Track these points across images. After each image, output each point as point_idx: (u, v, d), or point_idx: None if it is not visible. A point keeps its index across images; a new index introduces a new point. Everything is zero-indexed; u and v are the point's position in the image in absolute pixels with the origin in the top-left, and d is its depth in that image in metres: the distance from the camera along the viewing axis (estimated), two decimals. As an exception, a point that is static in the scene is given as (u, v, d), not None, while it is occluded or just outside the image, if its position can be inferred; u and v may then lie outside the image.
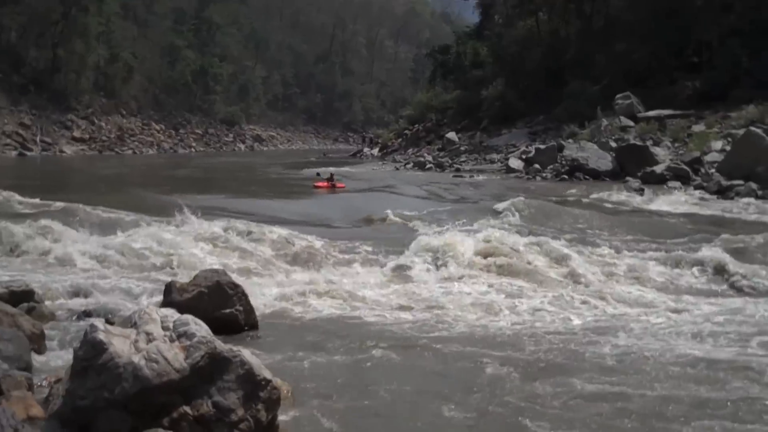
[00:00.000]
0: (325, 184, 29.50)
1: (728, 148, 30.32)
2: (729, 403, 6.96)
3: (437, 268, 12.79)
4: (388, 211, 20.11)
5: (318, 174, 31.92)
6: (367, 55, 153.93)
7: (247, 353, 6.05)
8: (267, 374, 5.99)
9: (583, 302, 11.11)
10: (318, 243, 14.61)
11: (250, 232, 14.65)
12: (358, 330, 9.50)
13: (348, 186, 31.26)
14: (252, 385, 5.86)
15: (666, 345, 8.79)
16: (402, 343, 8.94)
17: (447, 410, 6.86)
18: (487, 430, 6.59)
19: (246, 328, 9.37)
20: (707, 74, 40.06)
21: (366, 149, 69.02)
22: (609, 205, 23.33)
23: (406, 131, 63.11)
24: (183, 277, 10.45)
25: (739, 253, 13.78)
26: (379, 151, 63.27)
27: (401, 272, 12.67)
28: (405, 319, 10.14)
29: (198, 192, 26.99)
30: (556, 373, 7.86)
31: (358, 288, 11.65)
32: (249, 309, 9.55)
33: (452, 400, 7.10)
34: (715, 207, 23.19)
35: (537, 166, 35.14)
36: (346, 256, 13.97)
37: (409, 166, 45.30)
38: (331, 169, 30.76)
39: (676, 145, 33.59)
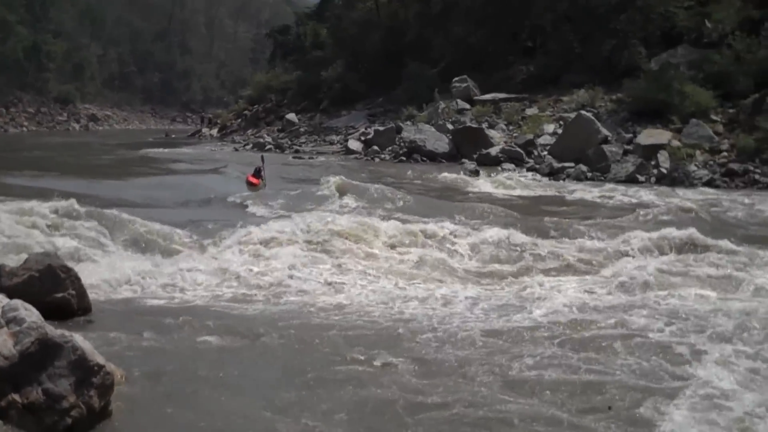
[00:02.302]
0: (256, 180, 24.23)
1: (560, 131, 31.30)
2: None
3: (269, 254, 12.63)
4: (227, 194, 19.88)
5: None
6: (206, 34, 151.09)
7: (79, 338, 5.92)
8: (100, 359, 5.88)
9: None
10: (155, 226, 14.10)
11: (83, 214, 13.96)
12: (191, 315, 9.32)
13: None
14: (84, 371, 5.74)
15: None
16: (232, 328, 8.86)
17: (270, 393, 7.00)
18: (309, 408, 6.64)
19: (79, 312, 9.10)
20: (541, 59, 41.09)
21: (205, 130, 67.83)
22: (438, 185, 23.87)
23: (246, 112, 62.44)
24: (12, 262, 9.94)
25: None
26: (219, 131, 62.40)
27: (235, 257, 12.53)
28: (235, 305, 10.11)
29: (29, 172, 25.86)
30: (371, 347, 8.19)
31: (192, 273, 11.48)
32: (82, 293, 9.25)
33: (277, 383, 7.32)
34: (547, 188, 23.99)
35: (376, 147, 35.36)
36: (185, 240, 13.66)
37: (248, 147, 44.82)
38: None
39: (511, 127, 34.34)
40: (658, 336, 8.67)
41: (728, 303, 10.05)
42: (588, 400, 6.86)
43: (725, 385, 7.08)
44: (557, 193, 23.02)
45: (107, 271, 11.18)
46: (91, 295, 9.53)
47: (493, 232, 14.09)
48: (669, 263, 12.47)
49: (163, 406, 6.49)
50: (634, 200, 21.11)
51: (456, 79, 40.42)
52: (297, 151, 39.81)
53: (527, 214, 17.67)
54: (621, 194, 22.20)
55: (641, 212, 17.62)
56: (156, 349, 7.95)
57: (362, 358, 7.87)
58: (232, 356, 7.96)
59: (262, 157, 25.61)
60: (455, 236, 14.01)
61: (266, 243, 13.13)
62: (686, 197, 21.52)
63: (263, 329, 8.83)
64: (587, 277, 12.11)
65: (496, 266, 12.79)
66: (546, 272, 12.36)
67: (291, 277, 11.50)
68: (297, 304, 10.21)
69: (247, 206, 18.36)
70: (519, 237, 13.91)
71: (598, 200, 21.25)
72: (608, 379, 7.35)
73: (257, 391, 7.03)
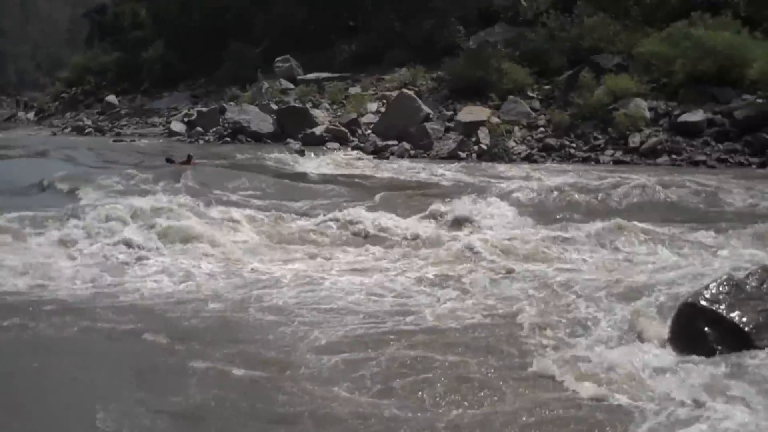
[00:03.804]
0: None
1: (383, 109, 31.59)
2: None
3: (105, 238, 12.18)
4: (53, 178, 19.11)
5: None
6: (20, 14, 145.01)
7: None
8: None
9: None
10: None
11: None
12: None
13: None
14: None
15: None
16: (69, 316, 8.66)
17: (103, 377, 7.06)
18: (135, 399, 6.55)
19: None
20: (363, 38, 41.29)
21: (21, 114, 65.07)
22: (269, 165, 23.82)
23: (64, 94, 60.22)
24: None
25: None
26: (36, 115, 60.08)
27: (69, 243, 12.07)
28: (65, 293, 9.76)
29: None
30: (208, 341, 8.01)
31: (27, 259, 11.07)
32: None
33: (107, 365, 7.40)
34: (371, 166, 24.21)
35: (200, 129, 34.82)
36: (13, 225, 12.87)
37: (67, 130, 43.51)
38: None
39: (335, 107, 34.38)
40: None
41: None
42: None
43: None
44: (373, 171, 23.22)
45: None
46: None
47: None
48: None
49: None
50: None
51: (279, 58, 40.22)
52: (118, 134, 38.83)
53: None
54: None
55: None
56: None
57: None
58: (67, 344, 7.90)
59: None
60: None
61: (109, 227, 12.57)
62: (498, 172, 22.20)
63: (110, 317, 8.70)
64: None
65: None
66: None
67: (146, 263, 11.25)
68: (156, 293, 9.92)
69: (77, 194, 17.50)
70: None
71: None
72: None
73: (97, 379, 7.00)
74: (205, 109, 37.37)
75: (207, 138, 33.66)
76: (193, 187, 17.86)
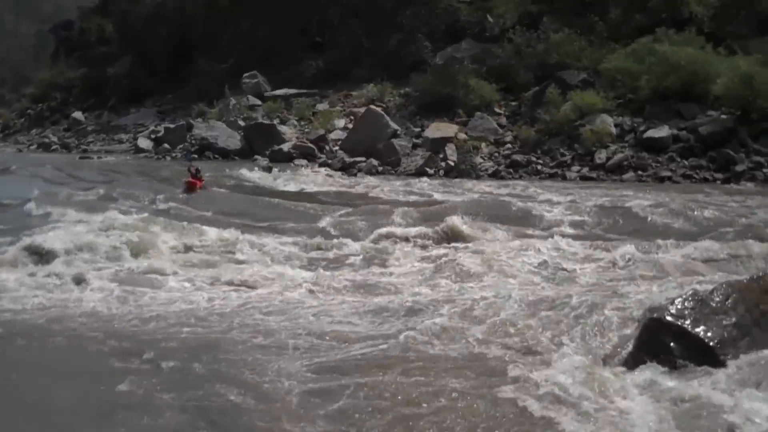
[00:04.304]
0: (197, 181, 20.89)
1: (350, 126, 31.57)
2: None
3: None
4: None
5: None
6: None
7: None
8: None
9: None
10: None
11: None
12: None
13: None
14: None
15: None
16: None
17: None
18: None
19: None
20: (330, 54, 41.34)
21: (-14, 130, 64.61)
22: (233, 182, 23.68)
23: (29, 111, 59.89)
24: None
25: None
26: (1, 132, 59.63)
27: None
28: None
29: None
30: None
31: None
32: None
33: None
34: (339, 183, 24.18)
35: (167, 145, 34.73)
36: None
37: (33, 147, 43.22)
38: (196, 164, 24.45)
39: (302, 123, 34.37)
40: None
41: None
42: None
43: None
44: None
45: None
46: None
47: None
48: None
49: None
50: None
51: (246, 74, 40.21)
52: (85, 151, 38.65)
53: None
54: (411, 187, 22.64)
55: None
56: None
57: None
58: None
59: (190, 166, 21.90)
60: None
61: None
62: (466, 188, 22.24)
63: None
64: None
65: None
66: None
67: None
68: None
69: (29, 211, 17.25)
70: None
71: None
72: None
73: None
74: (172, 126, 37.27)
75: (174, 154, 33.54)
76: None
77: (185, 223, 14.62)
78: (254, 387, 6.92)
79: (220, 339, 8.27)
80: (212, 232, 13.93)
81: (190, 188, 19.91)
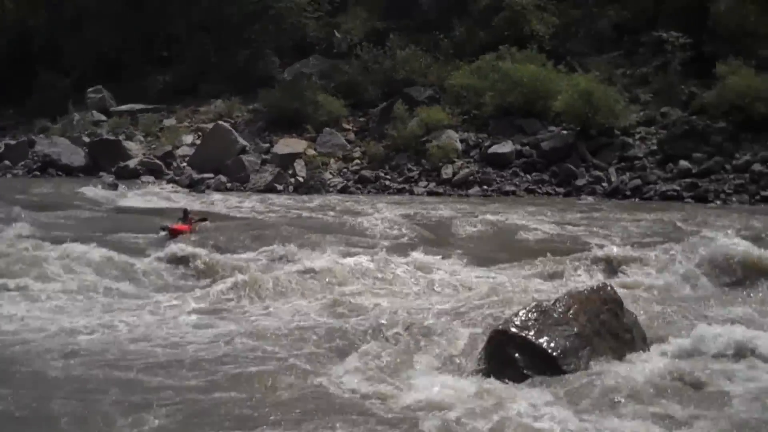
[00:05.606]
0: (184, 227, 17.57)
1: (198, 142, 31.25)
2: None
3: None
4: None
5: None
6: None
7: None
8: None
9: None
10: None
11: None
12: None
13: None
14: None
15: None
16: None
17: None
18: None
19: None
20: (177, 68, 40.68)
21: None
22: (78, 202, 23.11)
23: None
24: None
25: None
26: None
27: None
28: None
29: None
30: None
31: None
32: None
33: None
34: (186, 200, 23.90)
35: (8, 162, 33.41)
36: None
37: None
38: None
39: (149, 139, 33.71)
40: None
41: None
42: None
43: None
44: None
45: None
46: None
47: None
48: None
49: None
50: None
51: (91, 89, 39.12)
52: None
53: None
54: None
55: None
56: None
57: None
58: None
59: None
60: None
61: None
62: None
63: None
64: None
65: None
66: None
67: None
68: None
69: None
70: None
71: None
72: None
73: None
74: (13, 142, 35.86)
75: (15, 172, 32.34)
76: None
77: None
78: None
79: None
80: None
81: (172, 235, 16.87)
